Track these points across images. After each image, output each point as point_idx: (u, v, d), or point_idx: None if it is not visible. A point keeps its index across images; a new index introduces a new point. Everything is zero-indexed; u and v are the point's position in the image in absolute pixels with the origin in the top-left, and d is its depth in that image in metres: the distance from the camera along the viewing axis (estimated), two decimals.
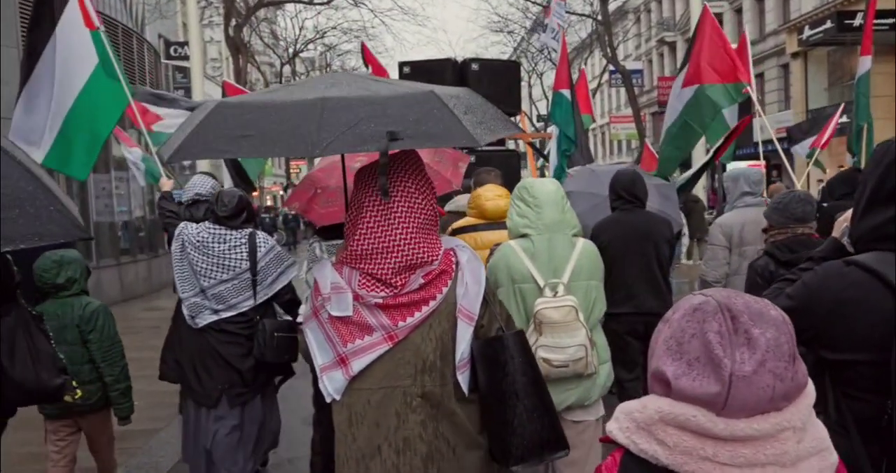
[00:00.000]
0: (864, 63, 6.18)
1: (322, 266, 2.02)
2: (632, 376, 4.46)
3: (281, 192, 35.54)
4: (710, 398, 1.06)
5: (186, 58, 16.38)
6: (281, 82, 33.61)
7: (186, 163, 23.60)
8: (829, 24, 16.64)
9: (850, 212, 1.87)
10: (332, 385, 1.97)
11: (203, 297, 3.58)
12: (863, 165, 5.95)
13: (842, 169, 6.66)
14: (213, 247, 3.58)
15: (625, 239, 4.29)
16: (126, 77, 5.30)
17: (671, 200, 5.49)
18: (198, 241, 3.59)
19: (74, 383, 3.38)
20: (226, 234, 3.62)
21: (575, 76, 8.72)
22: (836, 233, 1.88)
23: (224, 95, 7.33)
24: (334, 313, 1.94)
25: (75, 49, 4.92)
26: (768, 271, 3.35)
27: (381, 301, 1.92)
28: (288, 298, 3.78)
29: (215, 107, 1.90)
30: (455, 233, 3.92)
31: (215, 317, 3.58)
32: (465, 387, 1.98)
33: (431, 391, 1.94)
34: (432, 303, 1.93)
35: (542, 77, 35.30)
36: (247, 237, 3.64)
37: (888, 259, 1.55)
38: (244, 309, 3.60)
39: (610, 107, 41.79)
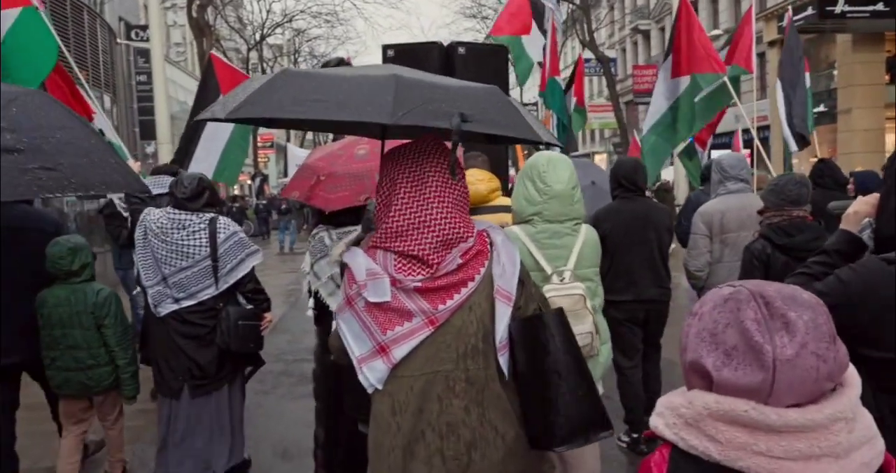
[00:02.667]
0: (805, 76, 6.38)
1: (354, 253, 1.99)
2: (632, 363, 4.45)
3: (249, 181, 34.62)
4: (755, 386, 1.04)
5: (148, 41, 15.55)
6: (248, 68, 32.70)
7: (150, 150, 22.83)
8: (810, 11, 16.38)
9: (859, 206, 1.87)
10: (374, 375, 1.92)
11: (165, 285, 3.49)
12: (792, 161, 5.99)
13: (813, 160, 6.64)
14: (171, 234, 3.46)
15: (626, 227, 4.29)
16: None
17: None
18: (157, 228, 3.48)
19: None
20: (185, 220, 3.49)
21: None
22: (849, 227, 1.88)
23: (212, 67, 6.92)
24: (372, 299, 1.89)
25: None
26: (765, 254, 3.39)
27: (419, 284, 1.89)
28: (251, 288, 3.66)
29: (280, 73, 1.96)
30: None
31: (176, 306, 3.49)
32: (505, 370, 1.94)
33: (475, 374, 1.92)
34: (471, 285, 1.92)
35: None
36: (207, 222, 3.50)
37: None
38: (203, 298, 3.49)
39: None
